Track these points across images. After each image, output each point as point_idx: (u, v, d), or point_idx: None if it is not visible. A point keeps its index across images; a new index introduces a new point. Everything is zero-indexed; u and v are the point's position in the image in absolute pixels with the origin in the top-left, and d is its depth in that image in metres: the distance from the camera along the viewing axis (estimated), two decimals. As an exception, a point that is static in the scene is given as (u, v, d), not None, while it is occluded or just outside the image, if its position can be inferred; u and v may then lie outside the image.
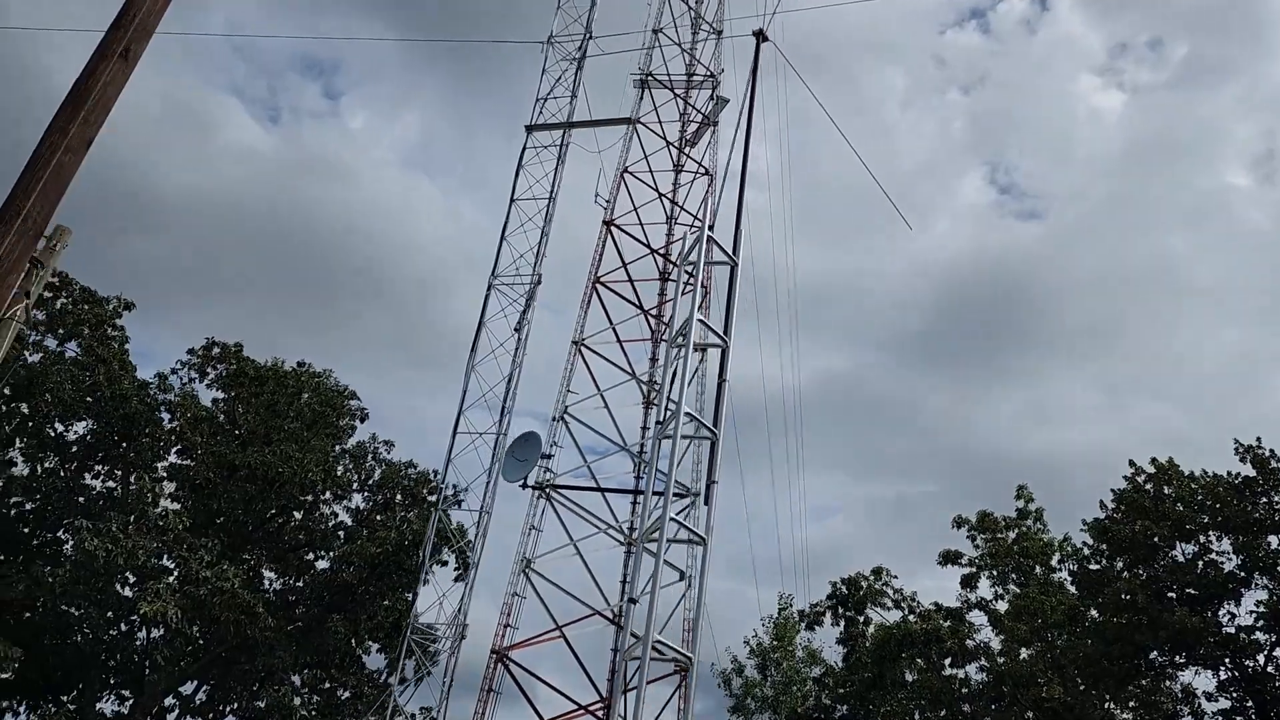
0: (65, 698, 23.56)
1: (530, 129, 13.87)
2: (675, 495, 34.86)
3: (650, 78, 40.20)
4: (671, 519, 10.96)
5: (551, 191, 15.43)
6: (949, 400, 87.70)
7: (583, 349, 35.02)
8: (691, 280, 8.15)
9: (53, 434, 23.10)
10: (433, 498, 26.29)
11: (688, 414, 36.84)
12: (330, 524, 24.74)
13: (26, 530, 23.27)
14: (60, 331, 23.09)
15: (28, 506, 23.57)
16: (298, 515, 24.97)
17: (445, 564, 25.90)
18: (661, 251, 39.13)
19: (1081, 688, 23.79)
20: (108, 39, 7.63)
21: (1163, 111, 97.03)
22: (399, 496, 25.47)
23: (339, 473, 25.26)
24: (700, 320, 7.52)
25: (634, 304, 36.53)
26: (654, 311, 38.28)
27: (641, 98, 40.32)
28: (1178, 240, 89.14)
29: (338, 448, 25.10)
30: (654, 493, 38.65)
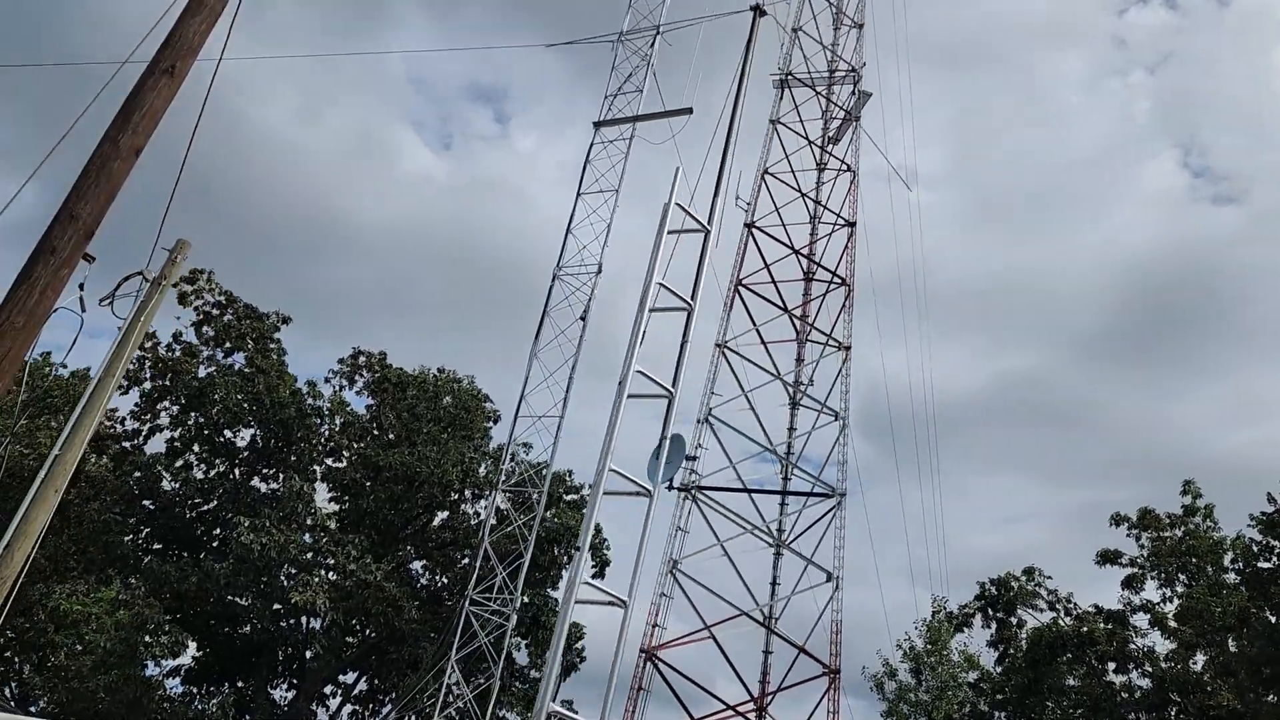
0: (241, 684, 25.51)
1: (598, 125, 14.27)
2: (818, 495, 34.57)
3: (790, 76, 40.08)
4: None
5: (618, 185, 15.69)
6: (1139, 399, 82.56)
7: (726, 351, 35.20)
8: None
9: (222, 440, 25.19)
10: (569, 497, 27.05)
11: (828, 409, 35.59)
12: (473, 522, 25.81)
13: (202, 530, 25.44)
14: (226, 345, 25.19)
15: (204, 507, 25.78)
16: (442, 514, 26.19)
17: (582, 561, 26.60)
18: (805, 252, 38.88)
19: (1252, 694, 22.05)
20: (157, 57, 8.48)
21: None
22: (535, 496, 26.33)
23: (482, 473, 26.34)
24: (660, 284, 7.58)
25: (778, 305, 36.49)
26: (798, 312, 38.08)
27: (781, 97, 40.25)
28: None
29: (477, 449, 26.17)
30: (797, 494, 37.83)
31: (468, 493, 25.54)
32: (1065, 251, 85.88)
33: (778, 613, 32.58)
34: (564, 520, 25.07)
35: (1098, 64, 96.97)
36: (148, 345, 24.50)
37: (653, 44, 13.15)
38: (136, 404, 25.12)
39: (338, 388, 25.91)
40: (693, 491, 31.72)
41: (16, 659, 25.11)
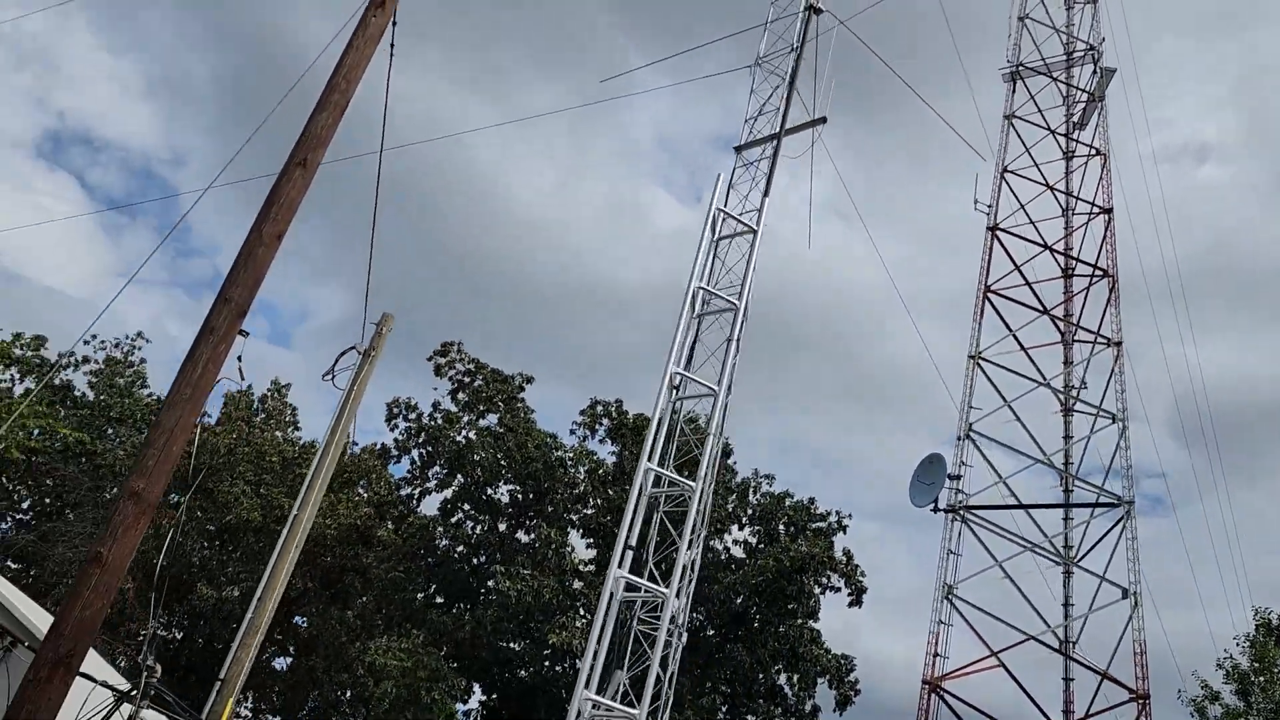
0: (525, 727, 27.09)
1: (739, 149, 14.26)
2: (1104, 506, 31.97)
3: (1022, 68, 38.16)
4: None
5: (761, 205, 15.48)
6: None
7: (981, 362, 33.57)
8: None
9: (486, 498, 27.17)
10: (817, 525, 26.77)
11: (1105, 412, 33.07)
12: (722, 557, 26.16)
13: (475, 582, 27.43)
14: (480, 408, 27.27)
15: (476, 561, 27.82)
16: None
17: (837, 590, 26.20)
18: (1059, 247, 36.51)
19: None
20: (293, 153, 9.69)
21: None
22: (781, 527, 26.33)
23: (729, 508, 26.68)
24: (702, 287, 7.36)
25: (1035, 307, 34.40)
26: (1059, 311, 35.69)
27: (1014, 90, 38.38)
28: None
29: (719, 482, 26.57)
30: (1080, 505, 35.39)
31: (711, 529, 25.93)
32: None
33: (1074, 635, 30.35)
34: (810, 548, 24.87)
35: None
36: (412, 416, 27.03)
37: (796, 61, 13.14)
38: (408, 471, 27.72)
39: (581, 438, 27.30)
40: (961, 512, 30.34)
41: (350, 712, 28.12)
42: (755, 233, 8.35)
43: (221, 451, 28.19)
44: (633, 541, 11.15)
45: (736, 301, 8.15)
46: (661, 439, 10.10)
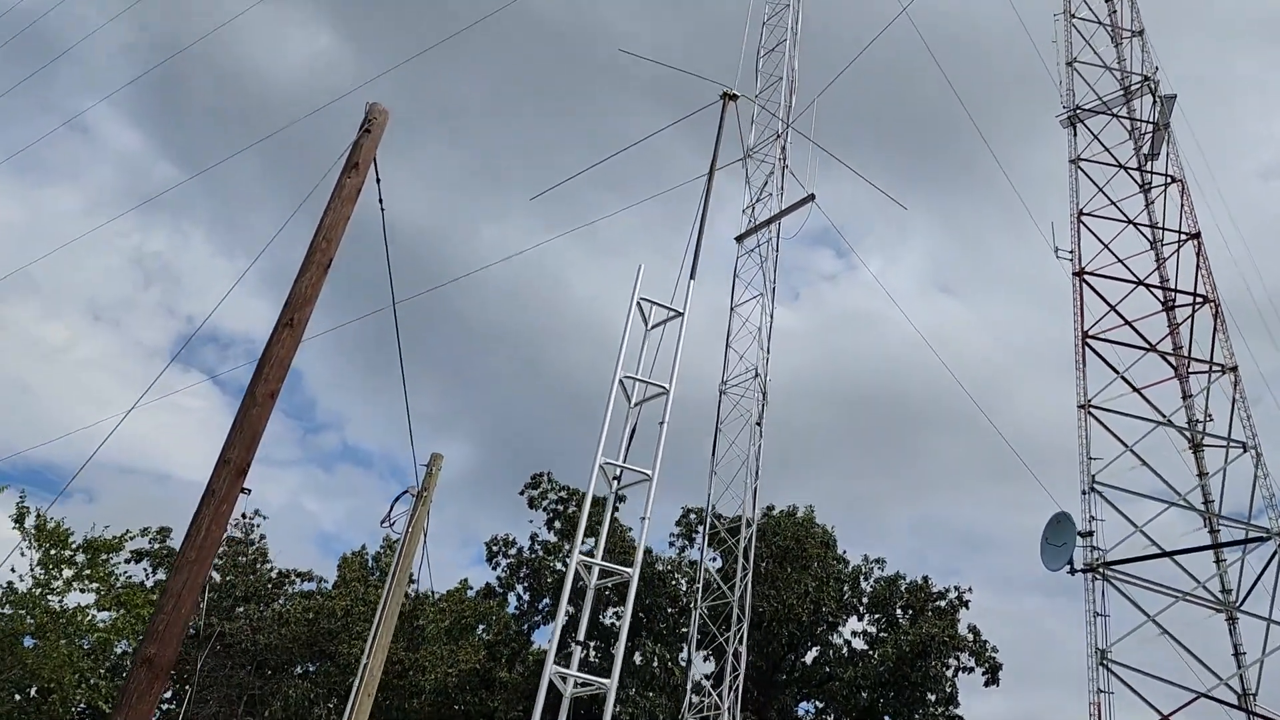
0: None
1: (740, 239, 14.36)
2: (1254, 541, 29.84)
3: (1079, 110, 37.67)
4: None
5: (769, 286, 15.48)
6: None
7: (1091, 411, 32.19)
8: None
9: (600, 623, 26.97)
10: (939, 603, 25.67)
11: (1235, 442, 31.50)
12: (843, 651, 25.26)
13: (597, 709, 27.06)
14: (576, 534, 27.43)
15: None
16: (814, 650, 25.92)
17: (969, 670, 24.88)
18: (1152, 281, 35.18)
19: None
20: (281, 314, 10.27)
21: None
22: (898, 611, 25.32)
23: (843, 598, 25.91)
24: (628, 378, 7.28)
25: (1139, 346, 33.01)
26: (1166, 346, 34.13)
27: (1075, 134, 37.83)
28: None
29: (825, 575, 25.87)
30: (1230, 544, 33.33)
31: (823, 624, 25.12)
32: None
33: (1251, 686, 27.99)
34: (930, 629, 23.80)
35: None
36: (512, 552, 27.30)
37: (783, 148, 13.30)
38: (515, 608, 27.81)
39: (680, 549, 27.04)
40: (1100, 570, 28.71)
41: None
42: (680, 315, 8.41)
43: (338, 615, 28.92)
44: (579, 635, 11.14)
45: (667, 385, 8.17)
46: (606, 526, 10.07)
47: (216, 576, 33.11)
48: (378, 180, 12.12)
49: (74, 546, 22.92)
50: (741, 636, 16.30)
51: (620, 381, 8.47)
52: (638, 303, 8.57)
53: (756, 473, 13.55)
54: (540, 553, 27.72)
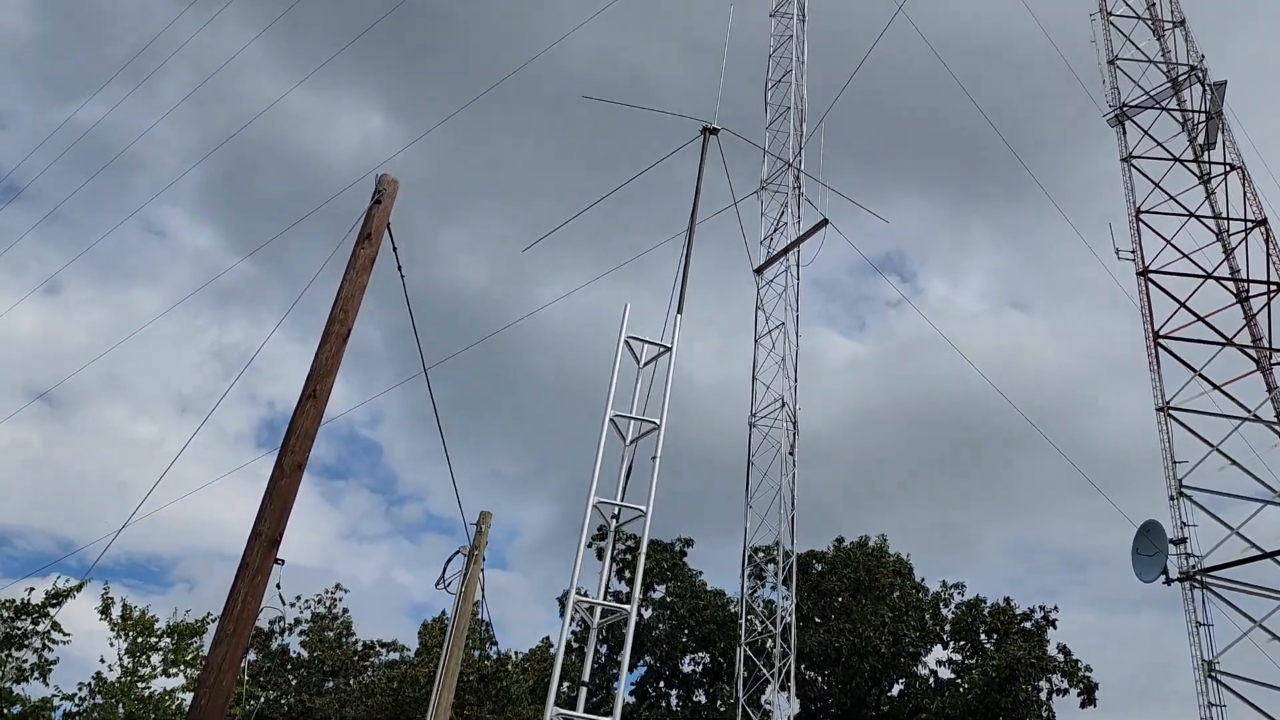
0: None
1: (759, 270, 14.19)
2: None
3: (1126, 108, 36.96)
4: None
5: (791, 314, 15.26)
6: None
7: (1171, 414, 31.11)
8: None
9: (672, 672, 26.74)
10: (1024, 625, 24.86)
11: None
12: (930, 683, 24.57)
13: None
14: (647, 581, 27.24)
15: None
16: (900, 683, 25.27)
17: (1063, 692, 23.95)
18: (1224, 274, 34.05)
19: None
20: (306, 385, 10.51)
21: None
22: (982, 635, 24.56)
23: (926, 625, 25.27)
24: (618, 415, 7.17)
25: (1215, 342, 31.90)
26: (1244, 338, 32.92)
27: (1124, 133, 37.08)
28: None
29: (905, 605, 25.26)
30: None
31: (905, 655, 24.48)
32: None
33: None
34: (1016, 651, 23.03)
35: None
36: (584, 605, 27.25)
37: (798, 182, 13.25)
38: (594, 662, 27.62)
39: (751, 590, 26.61)
40: (1198, 577, 27.54)
41: None
42: (669, 350, 8.35)
43: (421, 682, 29.05)
44: (585, 676, 11.03)
45: (657, 420, 8.11)
46: (607, 563, 9.99)
47: (304, 653, 33.66)
48: (394, 248, 12.38)
49: (159, 632, 23.52)
50: (787, 671, 15.98)
51: (612, 420, 8.47)
52: (626, 340, 8.59)
53: (792, 503, 13.33)
54: (613, 602, 27.57)
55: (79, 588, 21.47)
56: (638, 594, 10.54)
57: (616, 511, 9.05)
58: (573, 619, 10.40)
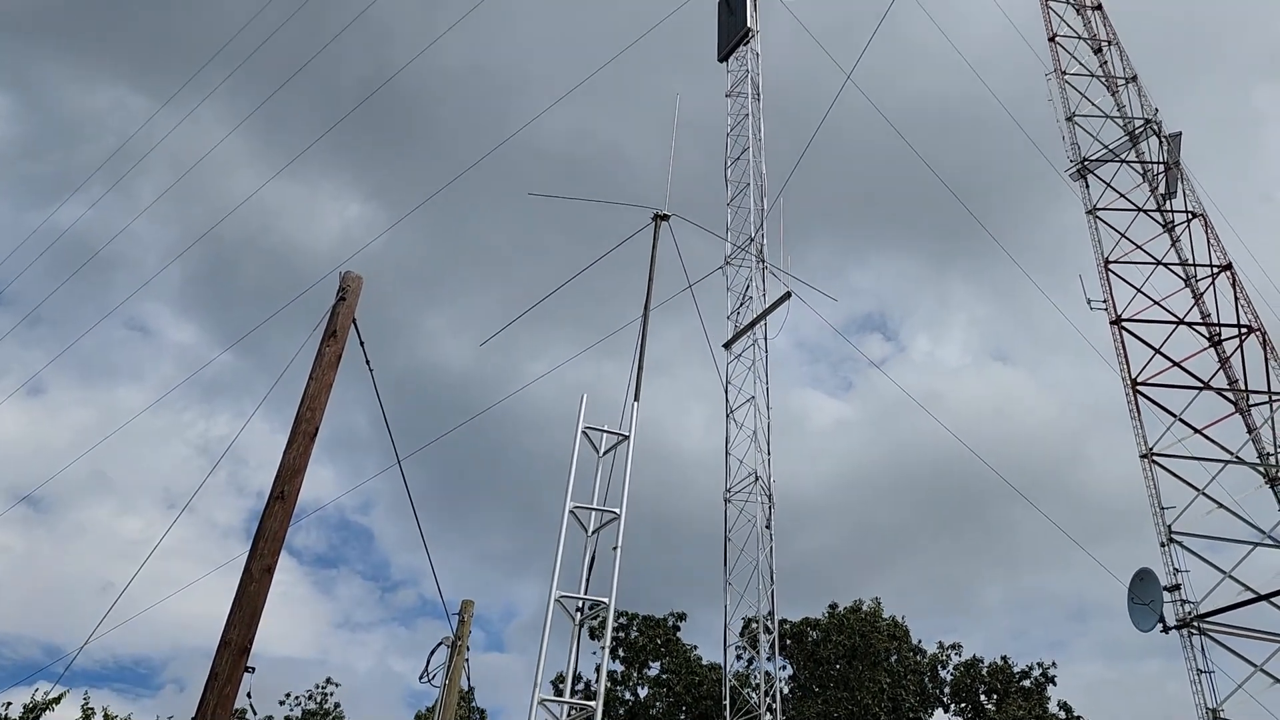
0: None
1: (728, 345, 14.35)
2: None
3: (1086, 162, 37.72)
4: None
5: (761, 387, 15.37)
6: None
7: (1155, 460, 31.15)
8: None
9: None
10: (1023, 683, 24.58)
11: None
12: (932, 749, 24.19)
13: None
14: (641, 658, 26.91)
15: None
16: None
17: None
18: (1195, 320, 34.45)
19: None
20: (274, 486, 10.47)
21: None
22: (982, 695, 24.24)
23: (927, 687, 24.96)
24: (578, 507, 7.24)
25: (1192, 386, 32.13)
26: (1220, 382, 33.16)
27: (1087, 187, 37.79)
28: None
29: (902, 668, 24.98)
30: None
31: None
32: None
33: None
34: (1015, 711, 22.73)
35: None
36: (579, 686, 26.85)
37: (759, 250, 13.45)
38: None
39: (748, 661, 26.30)
40: (1194, 624, 27.32)
41: None
42: (627, 439, 8.40)
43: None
44: None
45: (618, 510, 8.12)
46: (573, 653, 9.89)
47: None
48: (361, 344, 12.43)
49: (142, 740, 22.93)
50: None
51: (572, 511, 8.47)
52: (584, 431, 8.63)
53: (771, 578, 13.22)
54: (609, 683, 27.22)
55: (58, 700, 21.00)
56: (602, 690, 10.34)
57: (580, 605, 8.97)
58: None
